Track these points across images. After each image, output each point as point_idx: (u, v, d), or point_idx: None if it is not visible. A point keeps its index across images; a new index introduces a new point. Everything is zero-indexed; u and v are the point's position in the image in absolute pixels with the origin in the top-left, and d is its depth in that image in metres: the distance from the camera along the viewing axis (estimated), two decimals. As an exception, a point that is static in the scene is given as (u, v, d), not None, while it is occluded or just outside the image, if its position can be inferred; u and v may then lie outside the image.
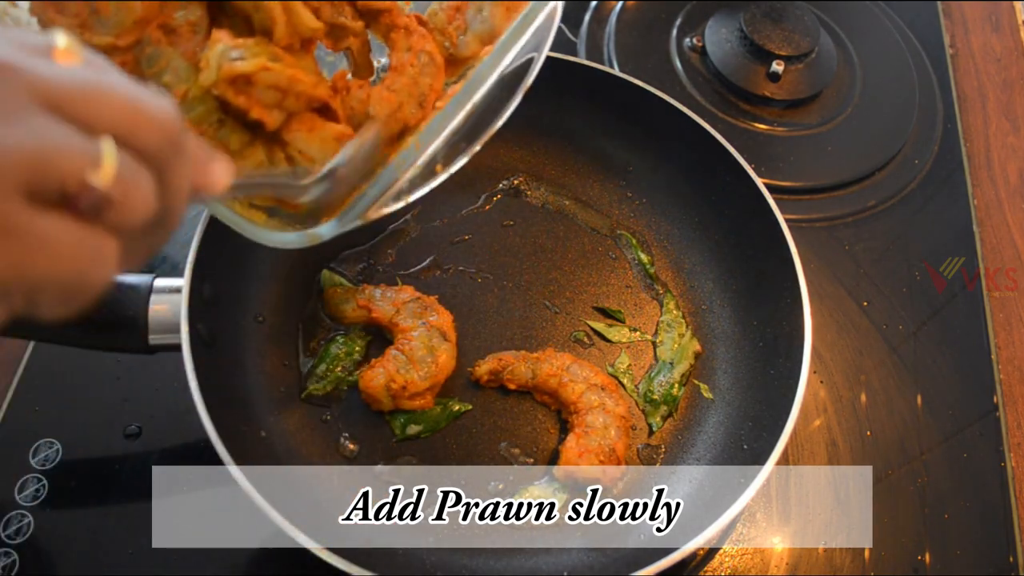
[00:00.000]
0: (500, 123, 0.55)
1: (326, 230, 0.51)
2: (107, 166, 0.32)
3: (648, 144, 0.87)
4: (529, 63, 0.56)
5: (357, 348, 0.76)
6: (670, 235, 0.87)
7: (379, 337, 0.76)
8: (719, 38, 1.03)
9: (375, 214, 0.51)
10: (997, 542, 0.74)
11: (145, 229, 0.35)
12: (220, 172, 0.39)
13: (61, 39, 0.34)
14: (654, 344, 0.80)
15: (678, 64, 1.03)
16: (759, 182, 0.78)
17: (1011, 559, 0.73)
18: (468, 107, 0.53)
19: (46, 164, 0.30)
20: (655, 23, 1.07)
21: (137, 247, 0.36)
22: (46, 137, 0.31)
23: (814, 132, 1.00)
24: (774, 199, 0.77)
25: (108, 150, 0.32)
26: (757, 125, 0.99)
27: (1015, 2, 1.19)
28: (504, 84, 0.55)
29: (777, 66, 0.99)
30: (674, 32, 1.06)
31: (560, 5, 0.56)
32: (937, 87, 1.07)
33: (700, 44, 1.04)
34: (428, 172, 0.53)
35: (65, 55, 0.33)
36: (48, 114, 0.31)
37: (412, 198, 0.53)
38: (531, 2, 0.55)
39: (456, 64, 0.58)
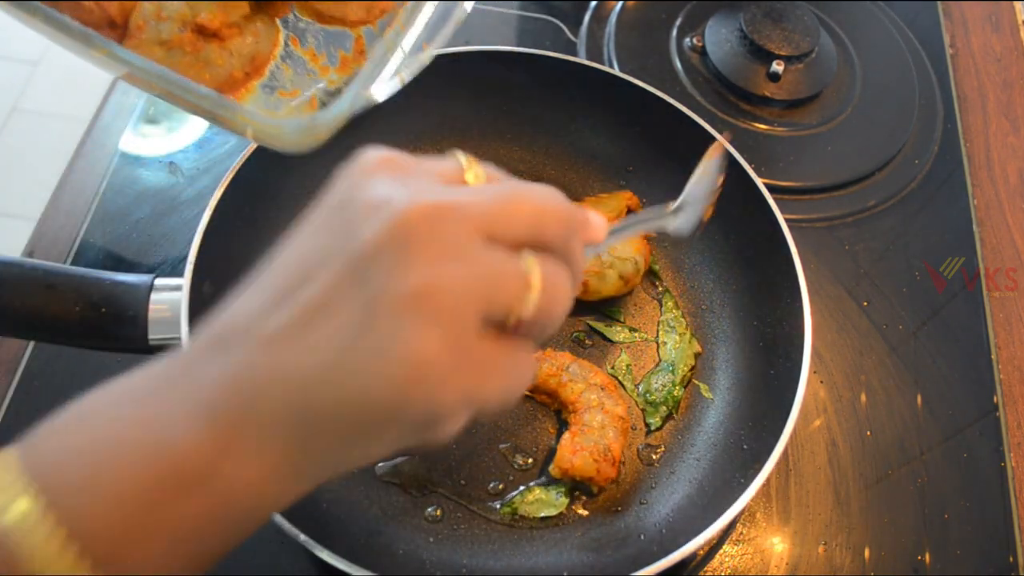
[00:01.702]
0: None
1: (331, 112, 0.48)
2: (536, 284, 0.35)
3: (648, 144, 0.87)
4: None
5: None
6: (670, 235, 0.86)
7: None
8: (719, 38, 1.03)
9: (376, 92, 0.50)
10: (997, 542, 0.74)
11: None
12: (599, 224, 0.43)
13: (462, 159, 0.38)
14: (656, 344, 0.80)
15: (678, 64, 1.03)
16: (759, 182, 0.78)
17: (1011, 559, 0.73)
18: None
19: (496, 294, 0.34)
20: (655, 23, 1.07)
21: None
22: (494, 267, 0.34)
23: (814, 132, 1.00)
24: (774, 199, 0.77)
25: (534, 267, 0.35)
26: (757, 125, 0.99)
27: (1015, 2, 1.19)
28: None
29: (777, 66, 0.99)
30: (674, 32, 1.06)
31: None
32: (937, 87, 1.07)
33: (700, 44, 1.04)
34: (416, 51, 0.52)
35: (474, 175, 0.38)
36: (487, 243, 0.34)
37: (408, 77, 0.51)
38: None
39: None
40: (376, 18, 0.54)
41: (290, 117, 0.49)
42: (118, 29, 0.48)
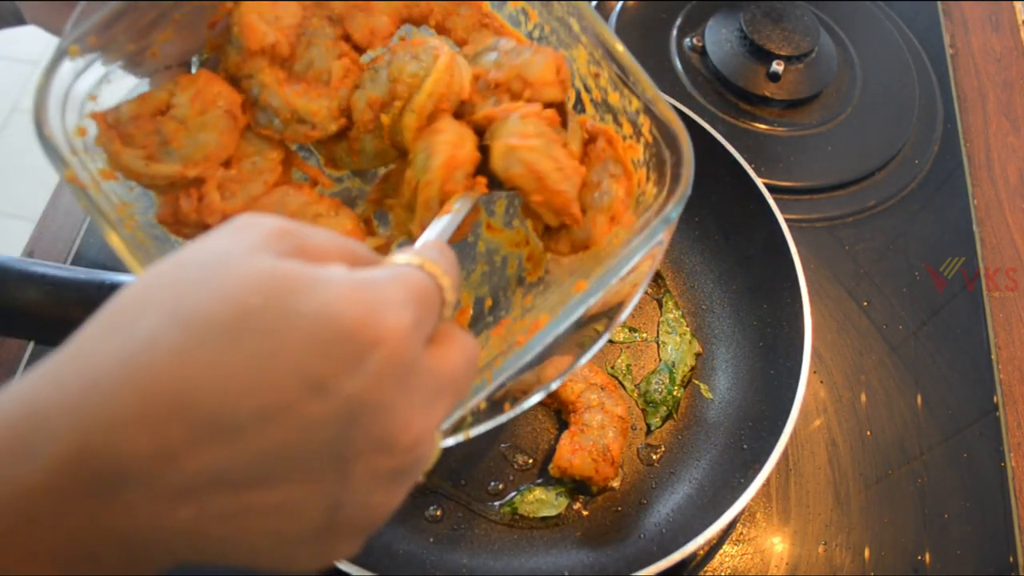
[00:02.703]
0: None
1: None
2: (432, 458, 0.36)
3: (648, 144, 0.87)
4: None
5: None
6: (670, 235, 0.87)
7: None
8: (719, 38, 1.03)
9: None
10: (997, 542, 0.74)
11: None
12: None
13: (451, 295, 0.36)
14: (656, 344, 0.80)
15: (678, 64, 1.03)
16: (759, 182, 0.78)
17: (1011, 559, 0.73)
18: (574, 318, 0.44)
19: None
20: (655, 23, 1.07)
21: None
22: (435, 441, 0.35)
23: (814, 132, 1.00)
24: (774, 199, 0.77)
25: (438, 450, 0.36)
26: (757, 125, 0.99)
27: (1015, 2, 1.19)
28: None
29: (777, 66, 0.99)
30: (674, 32, 1.06)
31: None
32: (937, 87, 1.07)
33: (700, 44, 1.04)
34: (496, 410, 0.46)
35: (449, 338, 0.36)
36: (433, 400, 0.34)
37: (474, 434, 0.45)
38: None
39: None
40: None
41: None
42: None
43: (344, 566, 0.56)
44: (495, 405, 0.46)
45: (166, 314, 0.29)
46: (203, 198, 0.45)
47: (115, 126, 0.44)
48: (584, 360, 0.48)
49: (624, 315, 0.48)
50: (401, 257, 0.36)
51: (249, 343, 0.28)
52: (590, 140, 0.50)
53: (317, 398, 0.29)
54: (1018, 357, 0.85)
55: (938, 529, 0.74)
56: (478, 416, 0.45)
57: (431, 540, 0.67)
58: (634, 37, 1.04)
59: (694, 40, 1.04)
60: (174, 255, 0.31)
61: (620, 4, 1.07)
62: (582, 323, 0.46)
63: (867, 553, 0.72)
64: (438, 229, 0.43)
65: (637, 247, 0.45)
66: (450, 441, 0.44)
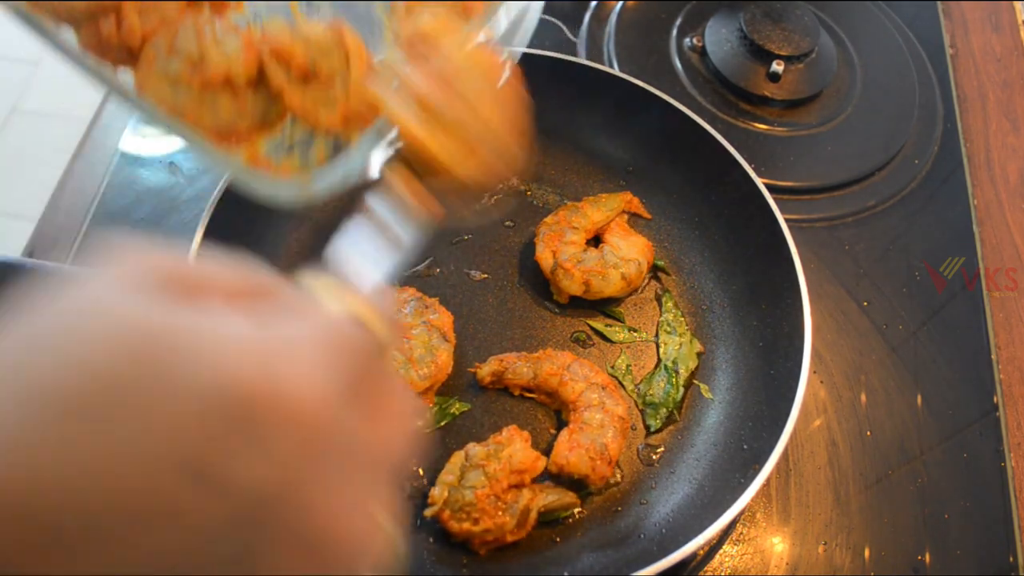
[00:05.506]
0: None
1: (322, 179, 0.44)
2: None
3: (648, 144, 0.87)
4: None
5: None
6: (670, 235, 0.87)
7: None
8: (719, 38, 1.03)
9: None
10: (997, 542, 0.74)
11: None
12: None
13: (387, 341, 0.29)
14: (656, 345, 0.80)
15: (678, 64, 1.03)
16: (759, 182, 0.78)
17: (1011, 559, 0.73)
18: None
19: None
20: (655, 23, 1.07)
21: None
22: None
23: (814, 132, 1.00)
24: (774, 199, 0.77)
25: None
26: (757, 125, 0.99)
27: (1015, 2, 1.19)
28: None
29: (777, 66, 0.99)
30: (674, 32, 1.06)
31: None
32: (937, 87, 1.07)
33: (700, 44, 1.04)
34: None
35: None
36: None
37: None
38: None
39: None
40: (354, 130, 0.51)
41: (285, 176, 0.48)
42: (135, 60, 0.48)
43: (344, 566, 0.56)
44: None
45: (8, 392, 0.22)
46: (122, 23, 0.46)
47: None
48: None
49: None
50: (323, 289, 0.28)
51: (117, 425, 0.22)
52: None
53: (206, 492, 0.22)
54: (1018, 357, 0.85)
55: (938, 529, 0.74)
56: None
57: (431, 540, 0.67)
58: (634, 37, 1.04)
59: (694, 40, 1.04)
60: (35, 308, 0.24)
61: (620, 4, 1.07)
62: None
63: (867, 553, 0.72)
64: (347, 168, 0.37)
65: None
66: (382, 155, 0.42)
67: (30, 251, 0.82)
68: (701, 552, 0.71)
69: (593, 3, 1.08)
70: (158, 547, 0.22)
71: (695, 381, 0.78)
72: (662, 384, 0.77)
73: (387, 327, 0.29)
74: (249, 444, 0.23)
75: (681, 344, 0.80)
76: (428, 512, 0.65)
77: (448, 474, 0.67)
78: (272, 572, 0.24)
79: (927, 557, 0.72)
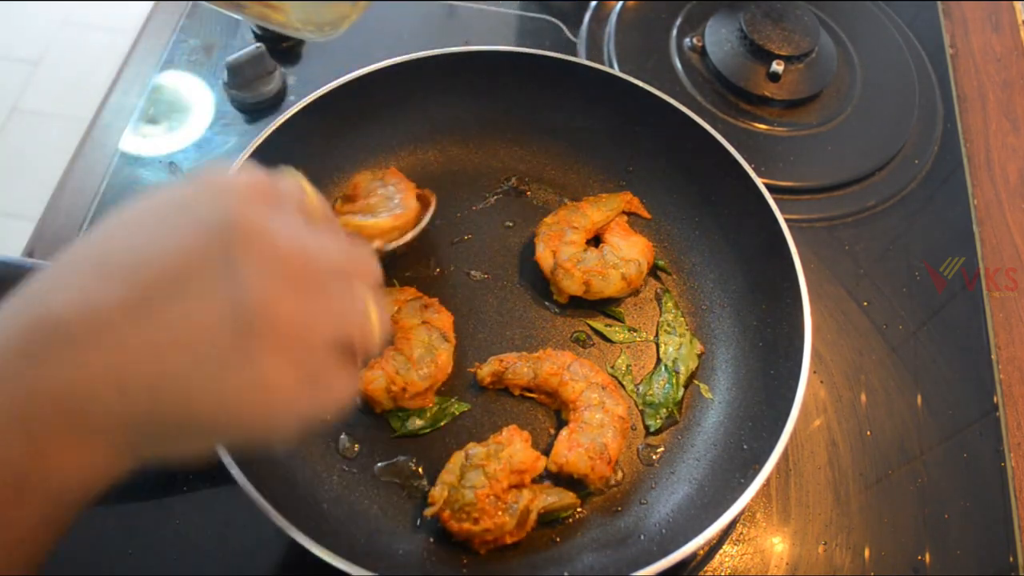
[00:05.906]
0: None
1: None
2: (375, 321, 0.43)
3: (648, 144, 0.87)
4: None
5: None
6: (670, 235, 0.87)
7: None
8: (719, 38, 1.03)
9: None
10: (997, 542, 0.74)
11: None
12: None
13: (308, 188, 0.45)
14: (656, 345, 0.80)
15: (678, 64, 1.03)
16: (759, 182, 0.78)
17: (1011, 559, 0.73)
18: None
19: (346, 329, 0.41)
20: (655, 23, 1.07)
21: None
22: (346, 306, 0.41)
23: (814, 132, 1.00)
24: (774, 199, 0.77)
25: (373, 310, 0.43)
26: (757, 125, 0.99)
27: (1015, 2, 1.19)
28: None
29: (777, 66, 0.99)
30: (674, 32, 1.06)
31: None
32: (937, 87, 1.07)
33: (700, 44, 1.04)
34: None
35: (314, 205, 0.45)
36: (345, 287, 0.41)
37: None
38: None
39: None
40: None
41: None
42: None
43: (344, 566, 0.56)
44: None
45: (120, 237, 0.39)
46: None
47: None
48: None
49: None
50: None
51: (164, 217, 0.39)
52: None
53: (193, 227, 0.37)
54: (1018, 357, 0.85)
55: (938, 529, 0.74)
56: None
57: (431, 540, 0.67)
58: (634, 37, 1.04)
59: (694, 40, 1.04)
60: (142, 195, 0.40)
61: (620, 4, 1.07)
62: None
63: (867, 553, 0.72)
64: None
65: None
66: None
67: (30, 251, 0.82)
68: (701, 552, 0.71)
69: (593, 3, 1.08)
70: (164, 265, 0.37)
71: (695, 381, 0.78)
72: (662, 384, 0.77)
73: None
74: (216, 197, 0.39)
75: (681, 344, 0.80)
76: (428, 512, 0.65)
77: (448, 474, 0.67)
78: (239, 258, 0.36)
79: (927, 557, 0.72)
